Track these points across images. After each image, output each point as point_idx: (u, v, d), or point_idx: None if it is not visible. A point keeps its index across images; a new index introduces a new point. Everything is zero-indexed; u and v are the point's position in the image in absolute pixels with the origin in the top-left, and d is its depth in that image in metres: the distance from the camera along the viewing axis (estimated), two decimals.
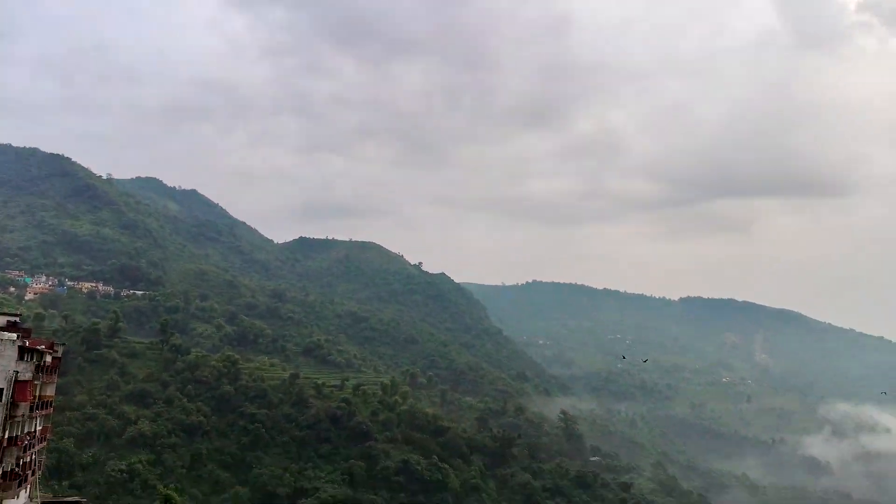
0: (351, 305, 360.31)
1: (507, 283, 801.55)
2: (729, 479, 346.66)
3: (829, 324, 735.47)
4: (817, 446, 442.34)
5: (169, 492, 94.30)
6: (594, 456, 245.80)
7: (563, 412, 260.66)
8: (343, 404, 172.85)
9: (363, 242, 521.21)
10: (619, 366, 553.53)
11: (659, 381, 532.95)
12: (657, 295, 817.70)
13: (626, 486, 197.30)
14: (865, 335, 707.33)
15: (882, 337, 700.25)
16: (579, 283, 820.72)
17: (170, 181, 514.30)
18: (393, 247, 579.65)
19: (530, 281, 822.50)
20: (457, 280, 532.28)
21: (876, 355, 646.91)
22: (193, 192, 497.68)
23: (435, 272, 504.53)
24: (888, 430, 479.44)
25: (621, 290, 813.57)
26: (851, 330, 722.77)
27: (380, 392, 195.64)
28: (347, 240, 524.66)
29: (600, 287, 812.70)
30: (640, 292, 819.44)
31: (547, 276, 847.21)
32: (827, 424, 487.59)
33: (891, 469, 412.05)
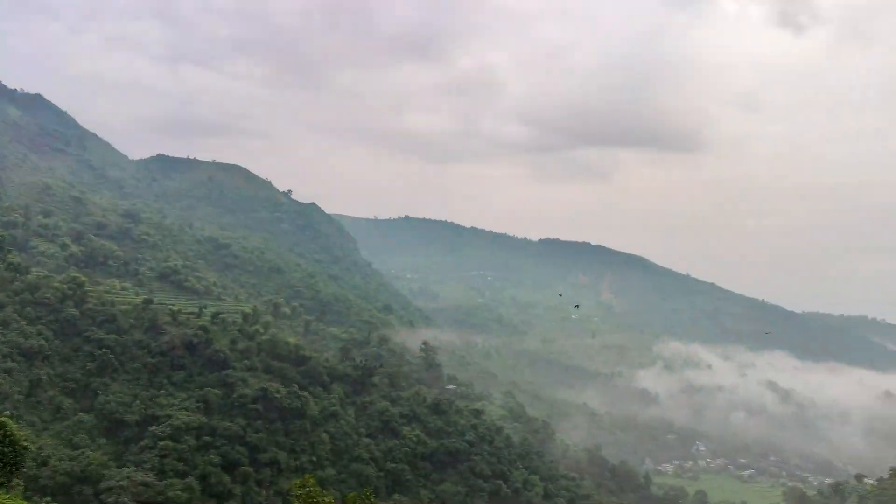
0: (212, 231, 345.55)
1: (379, 217, 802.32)
2: (571, 407, 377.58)
3: (669, 269, 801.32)
4: (649, 379, 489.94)
5: (2, 418, 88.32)
6: (451, 384, 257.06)
7: (425, 343, 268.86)
8: (200, 332, 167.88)
9: (229, 165, 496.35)
10: (479, 300, 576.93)
11: (515, 317, 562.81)
12: (520, 235, 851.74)
13: (478, 413, 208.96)
14: (699, 281, 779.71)
15: (713, 283, 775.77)
16: (450, 220, 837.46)
17: (10, 82, 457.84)
18: (261, 172, 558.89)
19: (403, 216, 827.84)
20: (328, 211, 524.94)
21: (705, 299, 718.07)
22: (38, 96, 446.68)
23: (305, 201, 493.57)
24: (709, 367, 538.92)
25: (487, 228, 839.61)
26: (688, 275, 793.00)
27: (240, 321, 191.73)
28: (211, 161, 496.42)
29: (468, 225, 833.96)
30: (505, 232, 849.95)
31: (419, 213, 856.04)
32: (659, 360, 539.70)
33: (708, 400, 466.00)
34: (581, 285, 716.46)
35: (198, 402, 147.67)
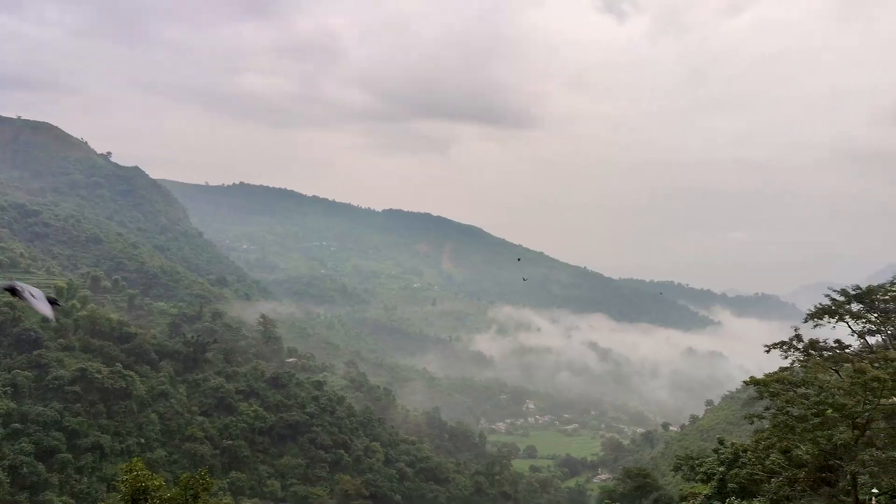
0: (18, 196, 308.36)
1: (212, 184, 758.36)
2: (412, 373, 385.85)
3: (504, 240, 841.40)
4: (485, 343, 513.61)
5: None
6: (291, 357, 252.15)
7: (263, 316, 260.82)
8: (6, 309, 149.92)
9: (37, 122, 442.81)
10: (321, 271, 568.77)
11: (358, 287, 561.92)
12: (364, 205, 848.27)
13: (319, 384, 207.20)
14: (530, 250, 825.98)
15: (542, 252, 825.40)
16: (289, 188, 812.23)
17: None
18: (76, 131, 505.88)
19: (238, 183, 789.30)
20: (154, 176, 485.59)
21: (535, 268, 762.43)
22: None
23: (127, 164, 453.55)
24: (539, 330, 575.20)
25: (329, 198, 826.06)
26: (520, 245, 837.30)
27: (53, 295, 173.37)
28: (16, 117, 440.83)
29: (309, 194, 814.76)
30: (348, 202, 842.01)
31: (255, 180, 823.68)
32: (494, 325, 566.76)
33: (537, 361, 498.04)
34: (423, 255, 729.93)
35: (6, 386, 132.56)
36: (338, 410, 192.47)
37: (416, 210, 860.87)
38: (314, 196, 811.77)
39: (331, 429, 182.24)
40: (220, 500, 58.93)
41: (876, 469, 37.45)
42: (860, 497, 40.62)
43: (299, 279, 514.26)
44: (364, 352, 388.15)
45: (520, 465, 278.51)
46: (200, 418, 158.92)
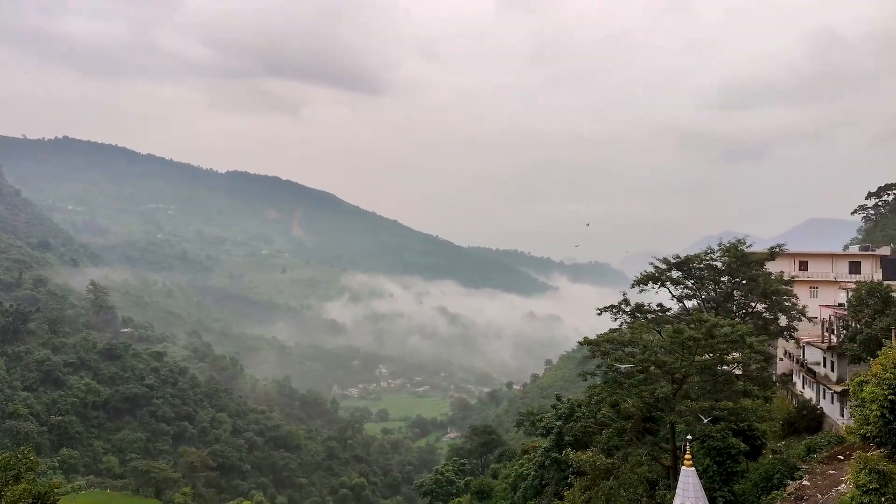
0: None
1: (30, 137, 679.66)
2: (261, 342, 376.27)
3: (357, 207, 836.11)
4: (337, 310, 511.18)
5: None
6: (126, 327, 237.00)
7: (93, 283, 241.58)
8: None
9: None
10: (158, 236, 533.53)
11: (201, 253, 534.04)
12: (205, 166, 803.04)
13: (159, 355, 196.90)
14: (384, 218, 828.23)
15: (396, 220, 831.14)
16: (121, 144, 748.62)
17: None
18: None
19: (61, 137, 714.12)
20: None
21: (388, 235, 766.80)
22: None
23: None
24: (391, 296, 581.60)
25: (168, 157, 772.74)
26: (373, 213, 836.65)
27: None
28: None
29: (145, 152, 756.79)
30: (189, 162, 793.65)
31: (82, 134, 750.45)
32: (346, 292, 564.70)
33: (390, 326, 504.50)
34: (272, 221, 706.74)
35: None
36: (180, 382, 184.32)
37: (264, 173, 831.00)
38: (150, 154, 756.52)
39: (173, 401, 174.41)
40: (49, 479, 54.90)
41: (690, 418, 42.68)
42: (677, 443, 46.19)
43: (134, 244, 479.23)
44: (208, 321, 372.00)
45: (372, 428, 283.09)
46: (24, 394, 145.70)
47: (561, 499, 58.77)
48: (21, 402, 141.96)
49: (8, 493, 37.00)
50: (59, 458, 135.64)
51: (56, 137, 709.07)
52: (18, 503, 35.69)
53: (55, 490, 39.96)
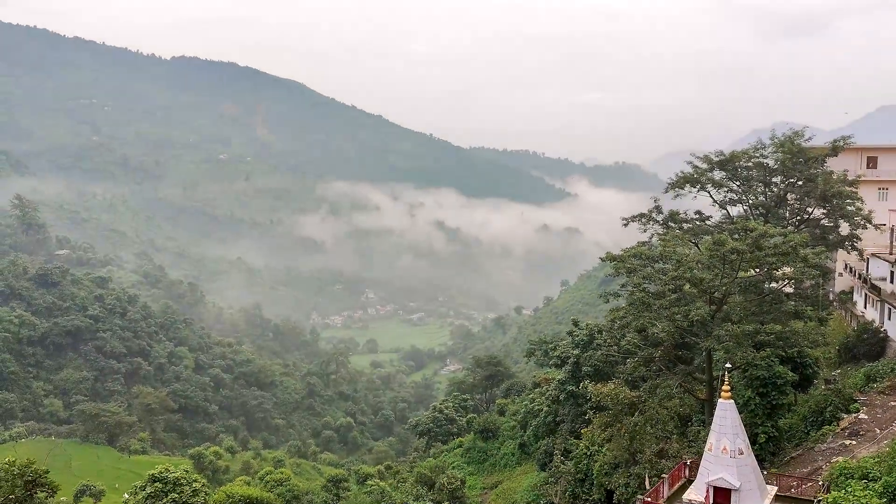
0: None
1: None
2: (224, 264, 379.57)
3: (333, 99, 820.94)
4: (314, 226, 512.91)
5: None
6: (62, 249, 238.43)
7: (19, 197, 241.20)
8: None
9: None
10: (93, 138, 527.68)
11: (145, 158, 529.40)
12: (145, 51, 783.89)
13: (104, 281, 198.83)
14: (365, 113, 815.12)
15: (381, 116, 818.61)
16: (39, 26, 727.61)
17: None
18: None
19: None
20: None
21: (371, 134, 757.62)
22: None
23: None
24: (378, 208, 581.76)
25: (98, 40, 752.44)
26: (352, 106, 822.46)
27: None
28: None
29: (70, 35, 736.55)
30: (125, 46, 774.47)
31: None
32: (324, 203, 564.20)
33: (377, 244, 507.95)
34: (229, 118, 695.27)
35: None
36: (130, 312, 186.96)
37: (217, 59, 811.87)
38: (77, 38, 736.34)
39: (123, 334, 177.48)
40: None
41: (731, 344, 43.37)
42: (714, 373, 47.12)
43: (64, 149, 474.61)
44: (160, 240, 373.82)
45: (359, 361, 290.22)
46: None
47: (578, 437, 60.76)
48: None
49: None
50: None
51: None
52: None
53: None
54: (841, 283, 77.65)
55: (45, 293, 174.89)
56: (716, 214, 68.00)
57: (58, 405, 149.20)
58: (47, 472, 50.61)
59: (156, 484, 54.38)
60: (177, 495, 53.76)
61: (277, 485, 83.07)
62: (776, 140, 66.05)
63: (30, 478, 48.72)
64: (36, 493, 49.32)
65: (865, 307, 67.40)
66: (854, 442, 41.68)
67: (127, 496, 60.34)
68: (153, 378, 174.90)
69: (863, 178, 71.21)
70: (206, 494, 57.53)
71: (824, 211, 64.69)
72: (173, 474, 55.67)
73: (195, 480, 57.39)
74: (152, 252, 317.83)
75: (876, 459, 33.56)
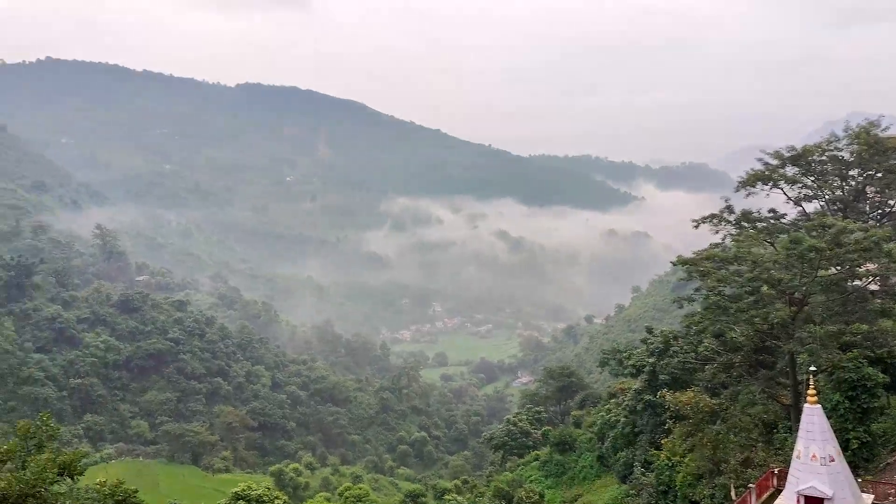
0: None
1: (9, 62, 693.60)
2: (294, 282, 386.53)
3: (392, 116, 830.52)
4: (378, 241, 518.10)
5: None
6: (141, 275, 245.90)
7: (99, 227, 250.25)
8: None
9: None
10: (166, 166, 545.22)
11: (215, 184, 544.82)
12: (211, 80, 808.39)
13: (182, 304, 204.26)
14: (424, 128, 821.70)
15: (439, 130, 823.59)
16: (112, 62, 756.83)
17: None
18: None
19: (43, 58, 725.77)
20: None
21: (430, 148, 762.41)
22: None
23: None
24: (440, 221, 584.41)
25: (167, 72, 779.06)
26: (411, 122, 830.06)
27: None
28: None
29: (140, 69, 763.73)
30: (191, 76, 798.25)
31: (67, 53, 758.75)
32: (387, 219, 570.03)
33: (441, 257, 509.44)
34: (293, 140, 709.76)
35: None
36: (208, 333, 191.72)
37: (278, 83, 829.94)
38: (146, 71, 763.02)
39: (202, 355, 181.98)
40: (75, 448, 58.70)
41: (815, 346, 41.99)
42: (798, 377, 45.63)
43: (139, 178, 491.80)
44: (233, 262, 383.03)
45: (430, 374, 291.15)
46: (37, 356, 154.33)
47: (658, 448, 59.54)
48: (35, 364, 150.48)
49: (32, 464, 39.36)
50: (83, 424, 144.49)
51: (38, 59, 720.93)
52: (44, 474, 37.95)
53: (83, 459, 42.47)
54: None
55: (128, 318, 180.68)
56: (791, 212, 66.19)
57: (144, 426, 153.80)
58: (136, 491, 51.90)
59: (239, 502, 55.62)
60: None
61: (357, 501, 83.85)
62: (851, 131, 63.95)
63: (120, 497, 50.01)
64: None
65: None
66: None
67: None
68: (233, 397, 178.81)
69: None
70: None
71: None
72: (256, 492, 56.82)
73: (277, 497, 58.43)
74: (227, 274, 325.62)
75: None
